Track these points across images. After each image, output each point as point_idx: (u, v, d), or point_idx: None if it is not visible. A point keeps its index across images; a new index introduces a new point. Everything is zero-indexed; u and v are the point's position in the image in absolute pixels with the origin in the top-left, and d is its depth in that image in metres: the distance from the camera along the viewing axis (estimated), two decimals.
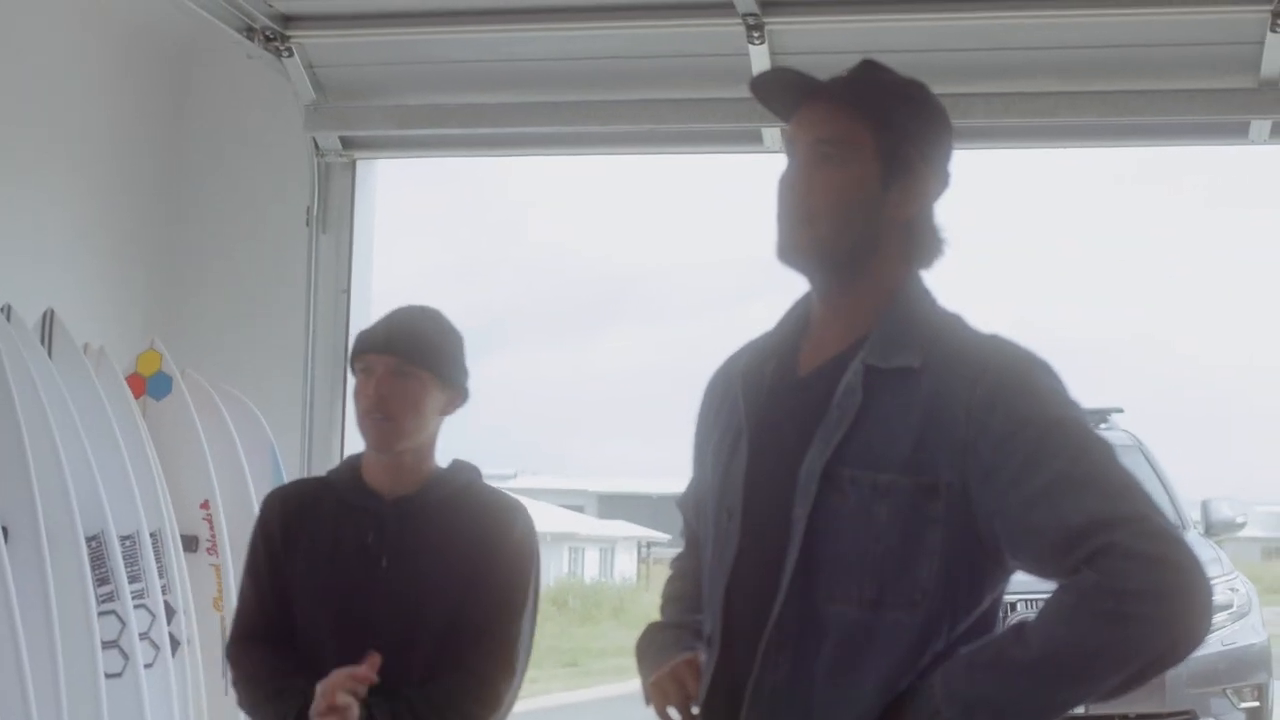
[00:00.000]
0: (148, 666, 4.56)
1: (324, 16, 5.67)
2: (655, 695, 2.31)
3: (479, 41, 5.73)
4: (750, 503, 2.19)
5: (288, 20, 5.67)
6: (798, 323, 2.31)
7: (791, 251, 2.23)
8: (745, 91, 2.38)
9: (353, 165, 6.01)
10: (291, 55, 5.70)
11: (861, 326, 2.21)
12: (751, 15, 5.30)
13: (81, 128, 5.66)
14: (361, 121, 5.94)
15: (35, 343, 4.63)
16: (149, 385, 5.22)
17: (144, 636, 4.61)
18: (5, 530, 4.06)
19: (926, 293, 2.25)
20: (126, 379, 5.10)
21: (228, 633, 3.27)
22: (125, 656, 4.50)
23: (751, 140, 5.80)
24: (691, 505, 2.48)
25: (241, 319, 5.95)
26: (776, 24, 5.37)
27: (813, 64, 2.41)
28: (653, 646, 2.40)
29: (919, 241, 2.24)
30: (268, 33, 5.61)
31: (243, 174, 6.02)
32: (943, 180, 2.27)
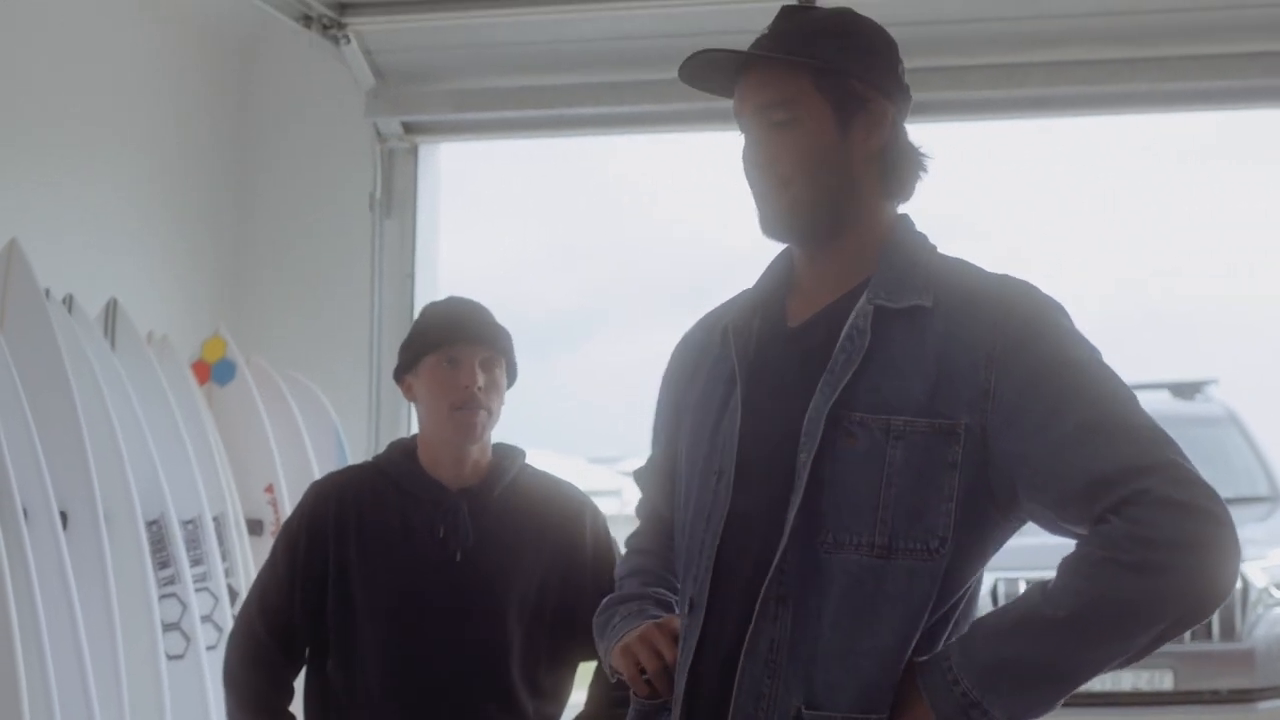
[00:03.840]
0: (210, 649, 4.62)
1: (380, 3, 5.73)
2: (624, 661, 2.23)
3: (536, 23, 5.74)
4: (745, 459, 2.12)
5: (344, 8, 5.73)
6: (780, 279, 2.26)
7: (774, 222, 2.19)
8: None
9: (414, 150, 6.05)
10: (350, 42, 5.77)
11: (853, 275, 2.16)
12: None
13: (145, 119, 5.74)
14: (421, 106, 5.98)
15: (97, 334, 4.71)
16: (214, 371, 5.29)
17: (206, 619, 4.67)
18: (64, 516, 4.13)
19: (922, 236, 2.20)
20: (191, 366, 5.18)
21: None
22: (187, 639, 4.57)
23: None
24: (653, 478, 2.40)
25: (306, 305, 6.01)
26: None
27: None
28: (614, 618, 2.32)
29: (894, 167, 2.18)
30: (325, 21, 5.67)
31: (306, 161, 6.08)
32: (900, 98, 2.20)
